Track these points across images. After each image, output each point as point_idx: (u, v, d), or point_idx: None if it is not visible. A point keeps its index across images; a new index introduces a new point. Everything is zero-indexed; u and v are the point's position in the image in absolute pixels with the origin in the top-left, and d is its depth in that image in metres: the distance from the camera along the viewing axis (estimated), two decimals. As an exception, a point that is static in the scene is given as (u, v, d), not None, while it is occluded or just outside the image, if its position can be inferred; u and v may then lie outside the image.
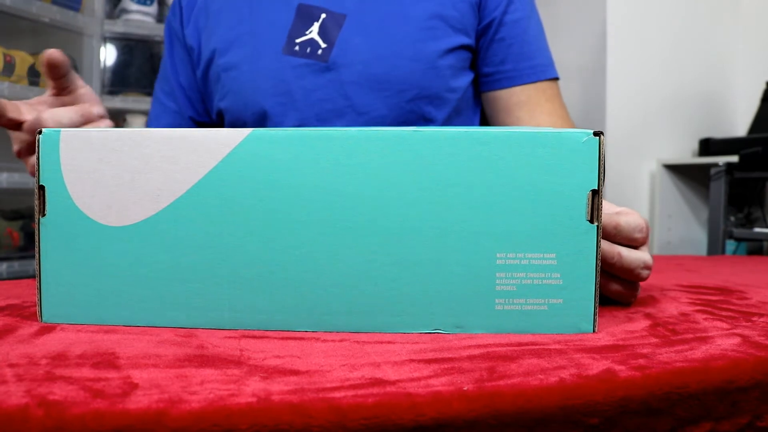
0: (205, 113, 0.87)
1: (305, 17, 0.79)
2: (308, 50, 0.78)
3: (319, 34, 0.78)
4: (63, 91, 0.63)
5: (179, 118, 0.87)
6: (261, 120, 0.79)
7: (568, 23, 2.33)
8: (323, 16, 0.78)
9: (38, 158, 0.40)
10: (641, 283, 0.58)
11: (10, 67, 1.75)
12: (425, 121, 0.78)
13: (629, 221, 0.46)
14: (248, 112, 0.80)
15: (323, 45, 0.77)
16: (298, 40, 0.78)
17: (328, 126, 0.77)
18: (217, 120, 0.85)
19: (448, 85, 0.79)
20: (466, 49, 0.80)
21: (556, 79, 0.84)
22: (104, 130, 0.40)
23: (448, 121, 0.79)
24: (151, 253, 0.40)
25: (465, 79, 0.81)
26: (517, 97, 0.81)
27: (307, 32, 0.78)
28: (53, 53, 0.60)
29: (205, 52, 0.83)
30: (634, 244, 0.47)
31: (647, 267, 0.47)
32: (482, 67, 0.82)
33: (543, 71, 0.82)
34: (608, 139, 2.14)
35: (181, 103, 0.87)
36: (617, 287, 0.48)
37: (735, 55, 2.44)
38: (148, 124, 0.90)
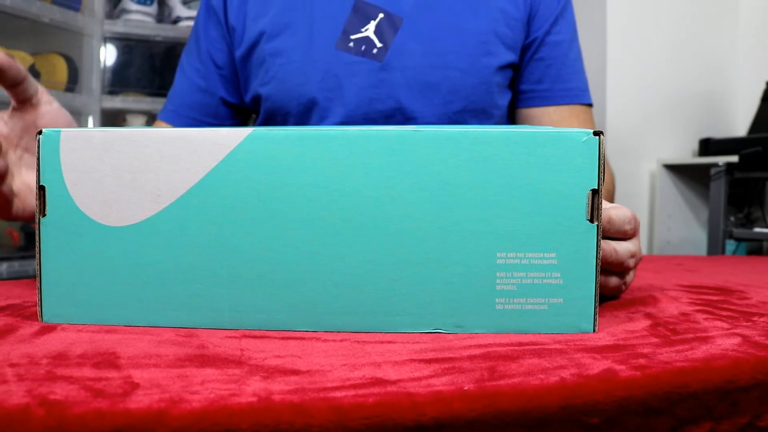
0: (237, 95, 0.86)
1: (362, 14, 0.79)
2: (363, 48, 0.78)
3: (375, 33, 0.78)
4: (24, 104, 0.54)
5: (208, 96, 0.86)
6: (306, 110, 0.79)
7: (568, 23, 2.33)
8: (380, 15, 0.78)
9: (38, 158, 0.40)
10: (642, 284, 0.59)
11: (10, 67, 1.75)
12: None
13: (619, 214, 0.48)
14: (293, 102, 0.79)
15: (379, 45, 0.77)
16: (353, 37, 0.78)
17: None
18: (252, 104, 0.84)
19: (494, 102, 0.80)
20: (512, 68, 0.81)
21: (590, 105, 0.85)
22: (105, 129, 0.40)
23: None
24: (151, 253, 0.40)
25: (507, 97, 0.83)
26: (549, 117, 0.82)
27: (363, 29, 0.78)
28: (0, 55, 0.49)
29: (250, 34, 0.81)
30: (625, 236, 0.48)
31: (633, 256, 0.48)
32: (519, 84, 0.84)
33: (578, 95, 0.83)
34: (608, 139, 2.14)
35: (212, 81, 0.86)
36: (615, 281, 0.49)
37: (735, 55, 2.44)
38: (171, 97, 0.88)
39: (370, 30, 0.78)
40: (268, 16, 0.81)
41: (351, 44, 0.78)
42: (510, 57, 0.80)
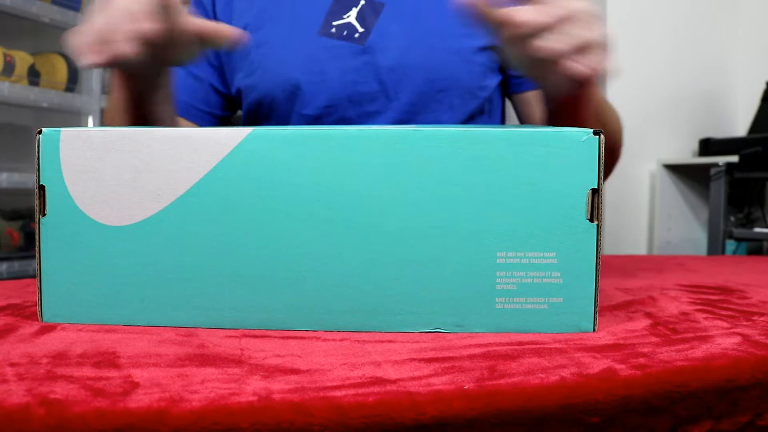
0: (225, 85, 0.88)
1: (343, 2, 0.81)
2: (345, 33, 0.79)
3: (357, 19, 0.80)
4: None
5: (199, 82, 0.88)
6: (291, 96, 0.80)
7: (568, 23, 2.33)
8: (362, 2, 0.80)
9: (38, 158, 0.40)
10: (642, 283, 0.58)
11: (10, 67, 1.75)
12: (451, 111, 0.80)
13: None
14: (278, 89, 0.81)
15: (360, 30, 0.79)
16: (334, 23, 0.80)
17: (360, 108, 0.79)
18: (237, 99, 0.86)
19: (478, 82, 0.82)
20: (497, 51, 0.83)
21: None
22: (105, 129, 0.40)
23: (471, 118, 0.82)
24: (151, 253, 0.40)
25: (494, 80, 0.84)
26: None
27: (345, 16, 0.80)
28: None
29: (236, 27, 0.84)
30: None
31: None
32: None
33: None
34: (608, 139, 2.13)
35: (203, 69, 0.87)
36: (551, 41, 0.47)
37: (735, 55, 2.44)
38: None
39: (351, 16, 0.80)
40: (253, 11, 0.83)
41: (333, 30, 0.80)
42: (494, 40, 0.82)
